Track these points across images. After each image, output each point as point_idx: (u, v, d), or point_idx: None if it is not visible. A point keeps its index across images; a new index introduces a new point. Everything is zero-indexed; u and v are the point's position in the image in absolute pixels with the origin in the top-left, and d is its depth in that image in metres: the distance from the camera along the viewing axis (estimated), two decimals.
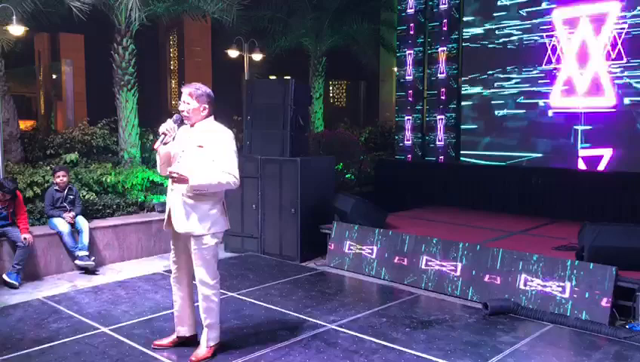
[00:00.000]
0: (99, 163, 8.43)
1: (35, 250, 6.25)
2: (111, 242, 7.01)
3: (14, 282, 5.88)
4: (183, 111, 3.87)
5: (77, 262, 6.44)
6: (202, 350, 4.00)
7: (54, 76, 20.46)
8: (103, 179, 7.69)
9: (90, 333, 4.51)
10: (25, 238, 6.01)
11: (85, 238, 6.50)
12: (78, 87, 19.68)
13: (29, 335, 4.47)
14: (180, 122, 3.91)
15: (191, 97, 3.85)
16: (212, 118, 3.95)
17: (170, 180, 3.86)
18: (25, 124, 12.80)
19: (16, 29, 7.11)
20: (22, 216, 6.17)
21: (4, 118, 7.25)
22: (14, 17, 6.99)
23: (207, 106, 3.89)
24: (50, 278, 6.31)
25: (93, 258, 6.52)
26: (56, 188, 6.62)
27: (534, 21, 8.34)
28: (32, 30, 9.39)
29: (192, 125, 3.90)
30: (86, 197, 7.22)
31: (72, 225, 6.54)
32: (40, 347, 4.23)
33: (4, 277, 5.90)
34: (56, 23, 9.41)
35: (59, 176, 6.63)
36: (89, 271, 6.48)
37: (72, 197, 6.69)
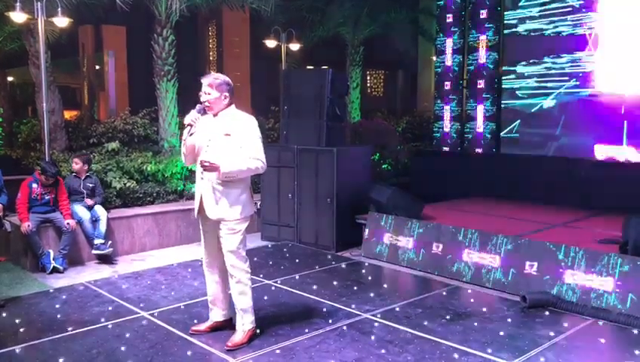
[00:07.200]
0: (140, 152, 8.59)
1: (77, 236, 6.42)
2: (151, 229, 7.18)
3: (60, 267, 6.08)
4: (204, 101, 3.94)
5: (93, 251, 6.42)
6: (238, 335, 4.06)
7: (97, 67, 20.96)
8: (144, 167, 7.85)
9: (130, 317, 4.64)
10: (68, 223, 6.20)
11: (102, 226, 6.49)
12: (120, 78, 20.14)
13: (73, 318, 4.62)
14: (203, 112, 3.98)
15: (211, 87, 3.92)
16: (233, 106, 4.02)
17: (199, 169, 3.95)
18: (69, 114, 13.14)
19: (61, 21, 7.28)
20: (63, 201, 6.32)
21: (49, 107, 7.47)
22: (59, 9, 7.17)
23: (227, 95, 3.96)
24: (92, 264, 6.50)
25: (110, 242, 6.53)
26: (75, 174, 6.69)
27: (576, 8, 8.08)
28: (76, 22, 9.62)
29: (215, 115, 3.97)
30: (127, 185, 7.39)
31: (91, 208, 6.54)
32: (83, 329, 4.37)
33: (52, 261, 6.08)
34: (99, 15, 9.62)
35: (75, 163, 6.68)
36: (107, 259, 6.51)
37: (91, 185, 6.69)
